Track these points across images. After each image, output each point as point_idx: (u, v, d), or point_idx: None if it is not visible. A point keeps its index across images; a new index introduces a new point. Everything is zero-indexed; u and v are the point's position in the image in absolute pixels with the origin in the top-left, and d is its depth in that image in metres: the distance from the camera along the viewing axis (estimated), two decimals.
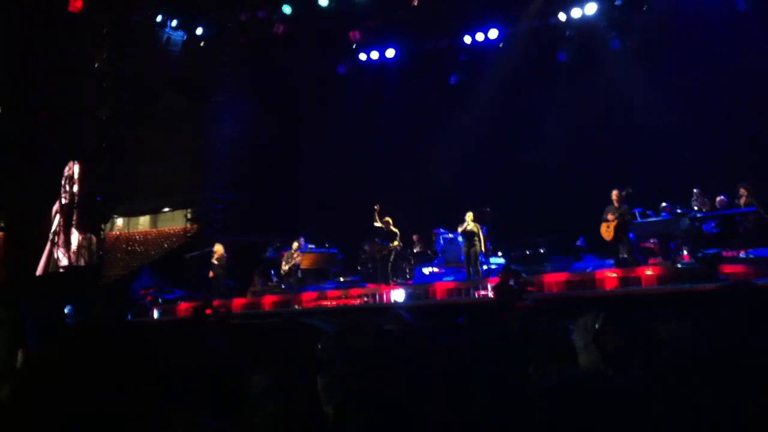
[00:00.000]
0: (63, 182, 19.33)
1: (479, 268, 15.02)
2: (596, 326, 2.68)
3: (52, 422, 1.45)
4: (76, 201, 19.28)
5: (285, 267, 17.02)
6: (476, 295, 13.40)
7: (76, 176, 19.32)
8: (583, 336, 2.68)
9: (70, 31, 18.85)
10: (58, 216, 19.31)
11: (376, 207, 16.13)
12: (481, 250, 15.04)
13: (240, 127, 21.15)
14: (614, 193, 13.17)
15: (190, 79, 21.38)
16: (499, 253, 16.98)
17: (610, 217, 13.11)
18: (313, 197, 20.99)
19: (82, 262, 18.94)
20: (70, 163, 19.41)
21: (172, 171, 23.12)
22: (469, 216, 14.96)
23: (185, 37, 20.10)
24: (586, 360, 2.61)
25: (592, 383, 1.49)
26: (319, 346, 2.37)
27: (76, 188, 19.32)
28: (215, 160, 20.72)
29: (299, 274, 17.12)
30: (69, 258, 18.97)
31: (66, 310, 14.92)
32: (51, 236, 19.19)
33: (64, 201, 19.35)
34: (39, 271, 18.92)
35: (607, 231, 13.24)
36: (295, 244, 17.16)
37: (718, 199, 14.21)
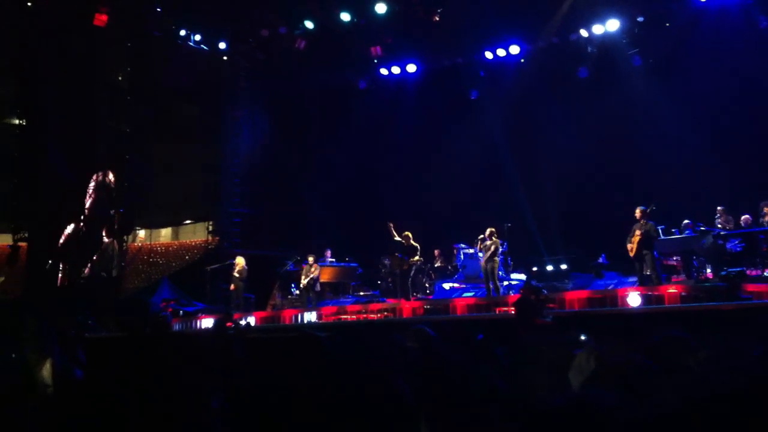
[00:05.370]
0: (89, 192, 19.52)
1: (498, 284, 14.96)
2: (591, 366, 2.56)
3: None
4: (102, 210, 19.50)
5: (304, 281, 17.06)
6: (496, 312, 13.34)
7: (94, 187, 19.51)
8: (578, 377, 2.58)
9: (90, 44, 19.10)
10: (81, 225, 19.49)
11: (390, 224, 16.12)
12: (499, 265, 15.01)
13: (257, 141, 21.31)
14: (638, 211, 13.19)
15: (208, 94, 21.60)
16: (521, 269, 16.92)
17: (636, 233, 13.10)
18: (333, 212, 21.02)
19: (104, 273, 19.10)
20: (97, 173, 19.62)
21: (190, 185, 23.34)
22: (488, 231, 14.93)
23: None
24: None
25: (594, 407, 1.47)
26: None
27: (95, 198, 19.51)
28: (232, 174, 20.89)
29: (317, 287, 17.13)
30: (92, 268, 19.12)
31: (89, 321, 15.04)
32: (72, 246, 19.37)
33: (88, 211, 19.54)
34: (60, 281, 19.10)
35: (631, 247, 13.24)
36: (311, 258, 17.19)
37: (743, 218, 14.09)
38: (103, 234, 18.81)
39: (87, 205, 19.52)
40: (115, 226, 19.21)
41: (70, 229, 19.15)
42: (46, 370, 2.96)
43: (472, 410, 1.65)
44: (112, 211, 19.27)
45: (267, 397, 1.50)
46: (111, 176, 19.61)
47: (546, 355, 2.54)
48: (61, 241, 18.99)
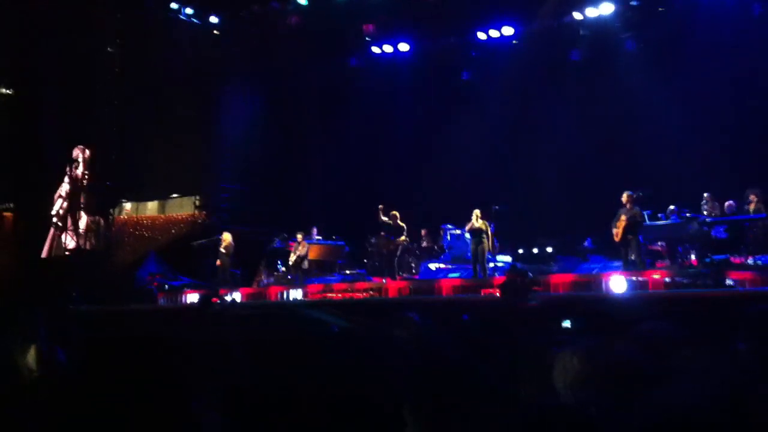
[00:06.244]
0: (68, 165, 19.36)
1: (486, 266, 15.01)
2: (575, 367, 2.48)
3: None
4: (83, 184, 19.34)
5: (293, 258, 17.05)
6: (482, 294, 13.40)
7: (81, 159, 19.37)
8: (563, 378, 2.52)
9: (81, 17, 18.81)
10: (61, 199, 19.37)
11: (380, 207, 16.11)
12: (488, 248, 15.01)
13: (249, 120, 21.21)
14: (625, 196, 13.24)
15: (201, 72, 21.39)
16: (506, 252, 16.97)
17: (621, 218, 13.16)
18: (321, 190, 20.98)
19: (89, 246, 18.99)
20: (78, 147, 19.45)
21: (181, 161, 23.17)
22: (476, 213, 14.94)
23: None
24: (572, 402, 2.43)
25: (593, 408, 1.48)
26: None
27: (81, 171, 19.36)
28: (224, 149, 20.81)
29: (305, 264, 17.14)
30: (76, 241, 19.02)
31: (73, 294, 15.00)
32: (55, 219, 19.27)
33: (68, 184, 19.39)
34: (43, 253, 19.00)
35: (616, 231, 13.32)
36: (300, 235, 17.16)
37: (727, 203, 14.19)
38: (81, 210, 18.68)
39: (75, 175, 19.38)
40: (92, 204, 19.06)
41: (57, 200, 19.06)
42: (31, 356, 2.96)
43: (472, 410, 1.66)
44: (84, 190, 19.12)
45: (267, 398, 1.50)
46: (88, 153, 19.43)
47: (546, 354, 2.53)
48: (50, 214, 18.92)
